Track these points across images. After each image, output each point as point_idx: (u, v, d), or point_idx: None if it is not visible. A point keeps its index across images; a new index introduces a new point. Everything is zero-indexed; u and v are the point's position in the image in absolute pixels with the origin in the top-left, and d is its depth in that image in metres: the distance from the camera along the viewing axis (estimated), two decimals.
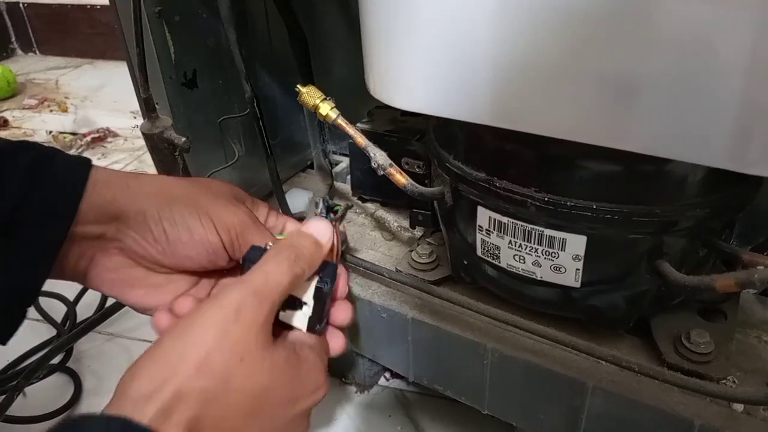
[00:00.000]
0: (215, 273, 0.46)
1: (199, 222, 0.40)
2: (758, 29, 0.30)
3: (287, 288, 0.36)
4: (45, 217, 0.38)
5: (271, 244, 0.41)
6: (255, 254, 0.40)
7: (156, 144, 0.65)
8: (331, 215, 0.57)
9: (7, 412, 0.71)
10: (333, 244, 0.42)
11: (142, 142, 0.69)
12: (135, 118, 1.66)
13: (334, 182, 0.85)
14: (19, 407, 0.74)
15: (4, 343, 0.39)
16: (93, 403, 0.80)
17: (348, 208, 0.62)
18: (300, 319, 0.39)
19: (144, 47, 0.60)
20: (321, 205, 0.59)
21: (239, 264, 0.43)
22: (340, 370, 0.79)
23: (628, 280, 0.49)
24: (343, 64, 0.84)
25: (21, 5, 2.38)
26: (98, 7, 2.21)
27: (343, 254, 0.65)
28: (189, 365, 0.31)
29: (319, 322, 0.40)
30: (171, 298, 0.43)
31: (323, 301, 0.40)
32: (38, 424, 0.75)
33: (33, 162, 0.38)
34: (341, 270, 0.42)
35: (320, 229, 0.41)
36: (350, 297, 0.58)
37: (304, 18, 0.70)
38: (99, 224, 0.40)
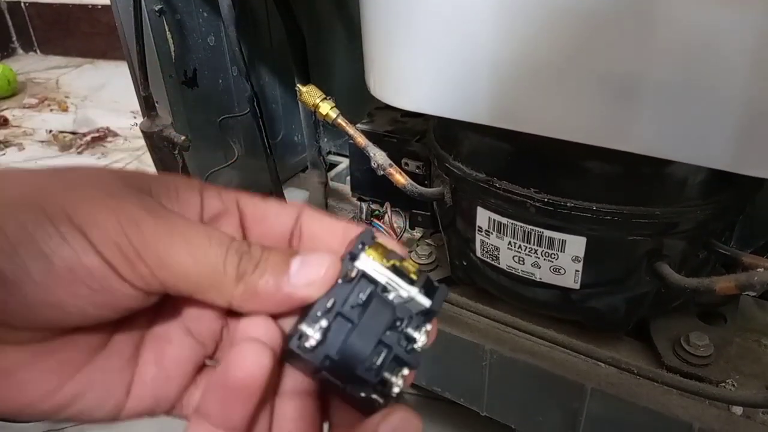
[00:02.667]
0: (131, 323, 0.26)
1: (58, 236, 0.21)
2: (760, 31, 0.30)
3: None
4: None
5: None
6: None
7: (155, 142, 0.65)
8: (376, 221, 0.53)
9: None
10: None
11: (142, 142, 0.69)
12: (135, 118, 1.66)
13: (333, 182, 0.85)
14: None
15: None
16: None
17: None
18: None
19: (144, 45, 0.60)
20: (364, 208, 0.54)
21: (166, 301, 0.25)
22: None
23: (627, 282, 0.49)
24: (343, 64, 0.84)
25: (22, 4, 2.38)
26: (99, 6, 2.21)
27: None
28: None
29: None
30: (56, 381, 0.23)
31: None
32: (34, 424, 0.75)
33: None
34: None
35: None
36: None
37: (306, 18, 0.70)
38: None
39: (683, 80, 0.34)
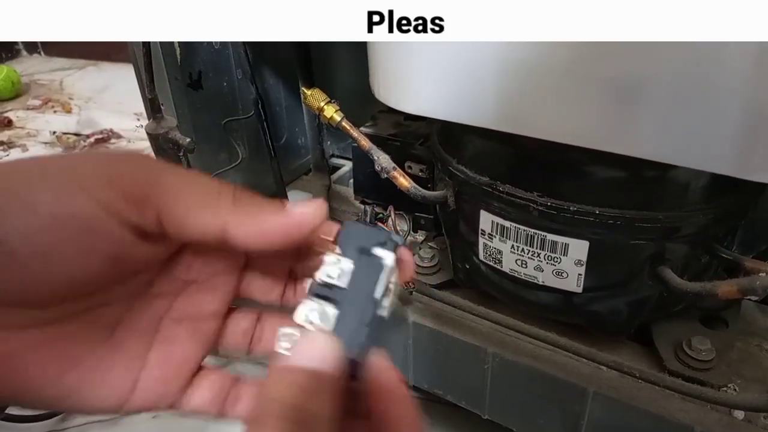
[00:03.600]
0: (134, 319, 0.27)
1: (41, 185, 0.22)
2: (763, 35, 0.31)
3: None
4: None
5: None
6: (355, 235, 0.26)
7: (160, 144, 0.65)
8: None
9: (7, 411, 0.71)
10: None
11: (145, 143, 0.69)
12: (139, 120, 1.67)
13: (336, 185, 0.85)
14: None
15: None
16: None
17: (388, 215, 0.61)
18: None
19: (150, 47, 0.60)
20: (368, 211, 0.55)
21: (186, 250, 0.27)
22: None
23: (630, 286, 0.49)
24: (347, 67, 0.85)
25: None
26: None
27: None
28: None
29: None
30: (57, 370, 0.24)
31: None
32: (38, 423, 0.75)
33: None
34: None
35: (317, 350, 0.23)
36: None
37: None
38: None
39: (686, 84, 0.34)
